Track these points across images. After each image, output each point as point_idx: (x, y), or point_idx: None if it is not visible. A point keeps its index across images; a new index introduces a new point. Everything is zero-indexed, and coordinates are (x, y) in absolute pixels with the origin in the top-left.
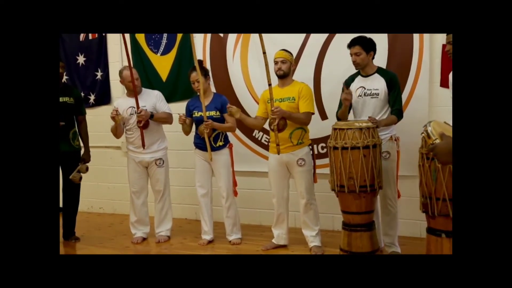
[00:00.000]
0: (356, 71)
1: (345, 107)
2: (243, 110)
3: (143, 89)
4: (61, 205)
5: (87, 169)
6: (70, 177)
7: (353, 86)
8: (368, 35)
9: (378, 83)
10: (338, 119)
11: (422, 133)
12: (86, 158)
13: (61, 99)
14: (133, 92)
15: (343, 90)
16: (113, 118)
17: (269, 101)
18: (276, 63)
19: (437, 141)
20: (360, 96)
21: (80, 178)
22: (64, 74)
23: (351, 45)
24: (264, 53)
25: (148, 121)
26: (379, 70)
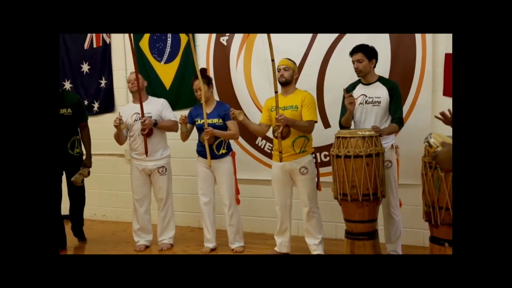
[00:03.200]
0: (357, 79)
1: (350, 113)
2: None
3: (149, 96)
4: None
5: (88, 173)
6: (72, 179)
7: (354, 94)
8: (370, 44)
9: (380, 91)
10: (341, 126)
11: (425, 143)
12: (88, 163)
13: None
14: (138, 98)
15: (344, 97)
16: (116, 126)
17: (272, 109)
18: (279, 70)
19: (439, 149)
20: (361, 104)
21: (82, 180)
22: (65, 81)
23: (353, 52)
24: (272, 60)
25: (152, 129)
26: (381, 79)
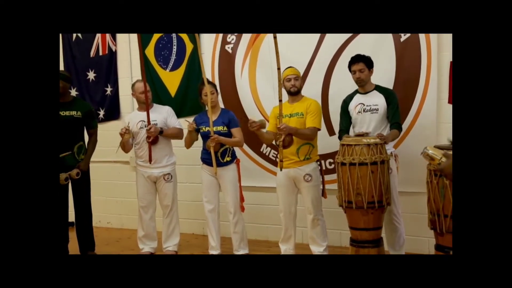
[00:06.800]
0: (354, 90)
1: None
2: None
3: (154, 104)
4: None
5: (77, 174)
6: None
7: (352, 104)
8: (375, 52)
9: (377, 99)
10: (340, 137)
11: (427, 157)
12: (82, 165)
13: (67, 113)
14: (144, 106)
15: (343, 108)
16: (121, 135)
17: (279, 117)
18: (289, 80)
19: (444, 160)
20: (359, 112)
21: (66, 179)
22: (71, 88)
23: (354, 62)
24: (278, 69)
25: (157, 136)
26: (377, 87)
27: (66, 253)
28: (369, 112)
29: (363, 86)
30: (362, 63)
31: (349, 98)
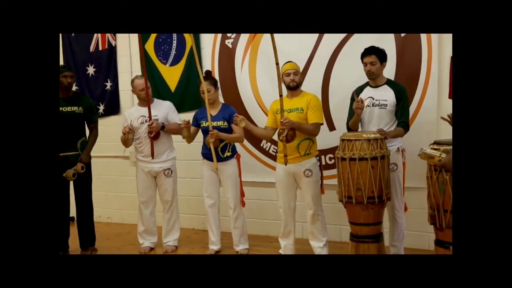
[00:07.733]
0: (365, 82)
1: (357, 116)
2: (252, 121)
3: (155, 99)
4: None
5: (82, 168)
6: (64, 174)
7: (362, 96)
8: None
9: (387, 94)
10: (349, 129)
11: (425, 158)
12: (83, 158)
13: (69, 109)
14: (144, 102)
15: (352, 99)
16: (125, 134)
17: (278, 112)
18: (288, 74)
19: (443, 155)
20: (368, 106)
21: (74, 175)
22: (74, 84)
23: (366, 54)
24: (277, 64)
25: (159, 132)
26: (389, 82)
27: (66, 248)
28: (378, 107)
29: (374, 79)
30: (375, 55)
31: (360, 90)
